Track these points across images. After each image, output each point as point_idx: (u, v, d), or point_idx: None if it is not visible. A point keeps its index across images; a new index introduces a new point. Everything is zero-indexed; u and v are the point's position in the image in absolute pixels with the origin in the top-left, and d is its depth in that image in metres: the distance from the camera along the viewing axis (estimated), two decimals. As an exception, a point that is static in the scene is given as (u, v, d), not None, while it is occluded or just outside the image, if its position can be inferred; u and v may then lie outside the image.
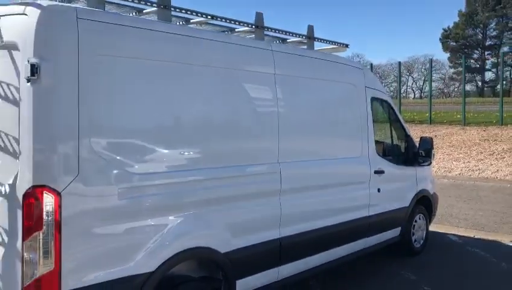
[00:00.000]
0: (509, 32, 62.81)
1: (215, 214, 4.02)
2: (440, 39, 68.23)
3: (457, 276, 6.17)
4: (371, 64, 31.51)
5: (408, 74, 63.43)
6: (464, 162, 15.56)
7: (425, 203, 7.22)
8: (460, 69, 52.71)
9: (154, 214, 3.60)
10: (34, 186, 3.01)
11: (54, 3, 3.37)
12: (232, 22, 4.62)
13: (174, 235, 3.69)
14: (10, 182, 3.11)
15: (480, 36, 65.91)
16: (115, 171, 3.36)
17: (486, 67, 65.59)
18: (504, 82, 40.67)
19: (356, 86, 5.87)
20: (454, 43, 66.71)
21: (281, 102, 4.68)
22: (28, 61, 2.99)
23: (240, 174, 4.25)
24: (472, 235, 8.14)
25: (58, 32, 3.14)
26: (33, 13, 3.08)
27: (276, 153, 4.59)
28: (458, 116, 22.24)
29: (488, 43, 65.52)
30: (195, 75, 3.97)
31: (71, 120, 3.15)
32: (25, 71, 3.00)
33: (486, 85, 65.39)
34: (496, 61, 60.88)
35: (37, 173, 3.02)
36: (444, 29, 67.41)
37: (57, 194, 3.06)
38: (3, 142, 3.17)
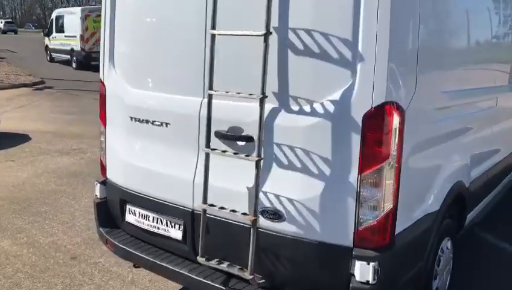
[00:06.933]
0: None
1: (471, 142, 3.54)
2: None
3: None
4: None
5: None
6: None
7: None
8: None
9: (453, 137, 3.23)
10: (382, 104, 2.32)
11: None
12: None
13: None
14: (337, 98, 2.39)
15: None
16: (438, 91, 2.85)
17: None
18: None
19: None
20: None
21: None
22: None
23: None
24: None
25: None
26: None
27: None
28: None
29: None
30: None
31: (414, 42, 2.50)
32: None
33: None
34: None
35: (388, 89, 2.31)
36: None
37: (402, 114, 2.40)
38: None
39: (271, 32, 2.41)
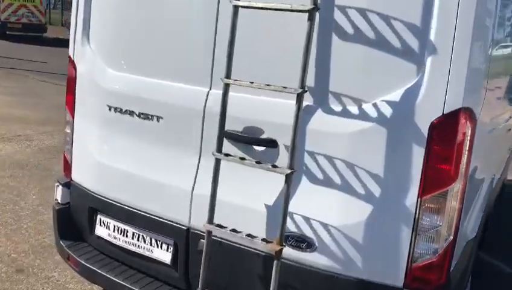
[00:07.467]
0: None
1: (496, 156, 3.16)
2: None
3: None
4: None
5: None
6: None
7: None
8: None
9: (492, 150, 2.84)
10: (457, 112, 1.81)
11: None
12: None
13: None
14: (395, 99, 1.87)
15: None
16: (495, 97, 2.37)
17: None
18: None
19: None
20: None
21: None
22: None
23: None
24: None
25: None
26: None
27: None
28: None
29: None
30: None
31: (490, 35, 2.02)
32: None
33: None
34: None
35: (466, 93, 1.81)
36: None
37: (474, 125, 1.91)
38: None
39: (318, 8, 1.85)
